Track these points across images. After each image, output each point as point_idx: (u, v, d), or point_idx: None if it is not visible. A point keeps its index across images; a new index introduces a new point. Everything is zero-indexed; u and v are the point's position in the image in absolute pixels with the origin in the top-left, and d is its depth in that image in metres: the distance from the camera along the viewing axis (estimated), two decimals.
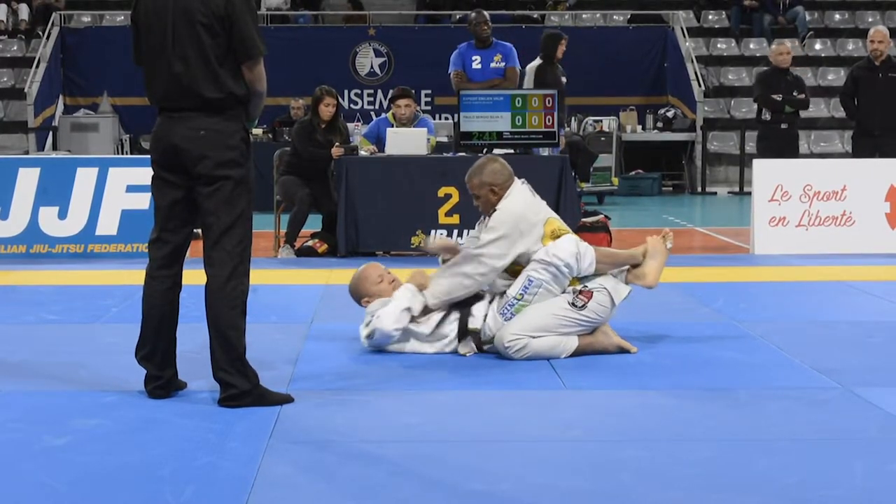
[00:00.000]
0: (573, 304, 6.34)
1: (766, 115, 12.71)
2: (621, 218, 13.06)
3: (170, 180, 5.33)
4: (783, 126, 12.51)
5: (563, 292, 6.40)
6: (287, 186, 10.89)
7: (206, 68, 5.20)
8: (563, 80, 12.76)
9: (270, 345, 6.55)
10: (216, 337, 5.27)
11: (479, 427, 5.00)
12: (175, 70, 5.22)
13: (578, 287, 6.40)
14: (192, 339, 5.88)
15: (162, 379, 5.40)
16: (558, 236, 6.49)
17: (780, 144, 12.37)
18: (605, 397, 5.48)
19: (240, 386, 5.25)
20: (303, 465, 4.42)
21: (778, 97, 12.52)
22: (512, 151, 10.73)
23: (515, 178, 6.65)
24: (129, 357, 5.50)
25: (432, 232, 10.38)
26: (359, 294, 6.74)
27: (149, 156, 5.45)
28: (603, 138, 17.71)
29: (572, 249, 6.39)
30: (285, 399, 5.35)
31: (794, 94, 12.51)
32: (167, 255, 5.39)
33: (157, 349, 5.39)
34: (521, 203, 6.55)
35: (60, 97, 19.85)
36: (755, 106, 19.89)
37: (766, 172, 10.99)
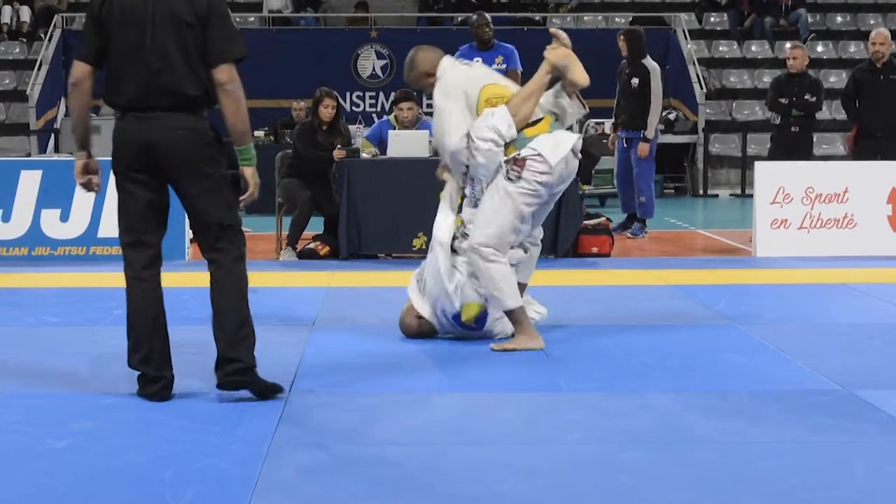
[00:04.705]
0: (509, 180, 6.47)
1: (777, 119, 12.68)
2: (621, 220, 13.05)
3: (143, 181, 5.30)
4: (793, 129, 12.46)
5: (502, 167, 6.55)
6: (289, 189, 10.89)
7: (188, 66, 5.22)
8: (634, 80, 12.68)
9: (273, 347, 6.54)
10: (232, 314, 5.30)
11: (480, 429, 5.00)
12: (154, 67, 5.21)
13: (512, 155, 6.50)
14: (192, 339, 5.89)
15: (164, 379, 5.37)
16: (494, 105, 6.61)
17: (790, 147, 12.32)
18: (606, 399, 5.48)
19: (246, 361, 5.30)
20: (304, 468, 4.42)
21: (784, 101, 12.48)
22: None
23: (445, 57, 6.87)
24: None
25: None
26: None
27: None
28: (605, 140, 17.67)
29: (480, 123, 6.53)
30: (276, 388, 5.39)
31: (807, 97, 12.45)
32: (150, 256, 5.37)
33: (153, 350, 5.35)
34: (447, 74, 6.74)
35: (62, 99, 19.86)
36: (757, 108, 20.01)
37: (768, 175, 10.99)
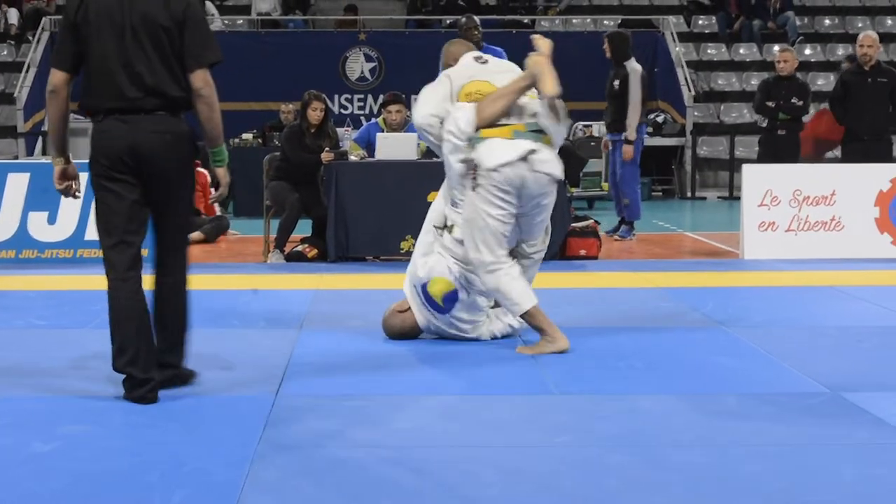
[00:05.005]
0: (473, 189, 6.55)
1: (764, 122, 12.71)
2: (611, 223, 13.06)
3: (128, 181, 5.35)
4: (780, 133, 12.49)
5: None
6: (277, 191, 10.89)
7: (169, 69, 5.32)
8: (615, 82, 12.69)
9: (260, 350, 6.55)
10: (177, 321, 5.48)
11: (469, 432, 5.00)
12: (137, 70, 5.28)
13: (467, 155, 6.57)
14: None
15: (151, 381, 5.35)
16: (473, 100, 6.69)
17: (777, 150, 12.35)
18: (594, 402, 5.48)
19: (179, 365, 5.53)
20: (292, 471, 4.41)
21: (771, 104, 12.51)
22: None
23: (470, 53, 7.04)
24: None
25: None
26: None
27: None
28: (592, 143, 17.70)
29: (448, 116, 6.66)
30: (192, 374, 5.64)
31: (794, 100, 12.47)
32: (132, 257, 5.41)
33: (139, 352, 5.34)
34: (457, 66, 6.95)
35: None
36: (745, 111, 20.04)
37: (756, 177, 11.00)
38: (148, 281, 5.50)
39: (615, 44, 12.79)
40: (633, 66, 12.68)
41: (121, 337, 5.36)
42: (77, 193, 5.62)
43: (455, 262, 6.71)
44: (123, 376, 5.39)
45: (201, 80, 5.32)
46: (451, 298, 6.71)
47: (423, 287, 6.73)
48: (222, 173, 5.60)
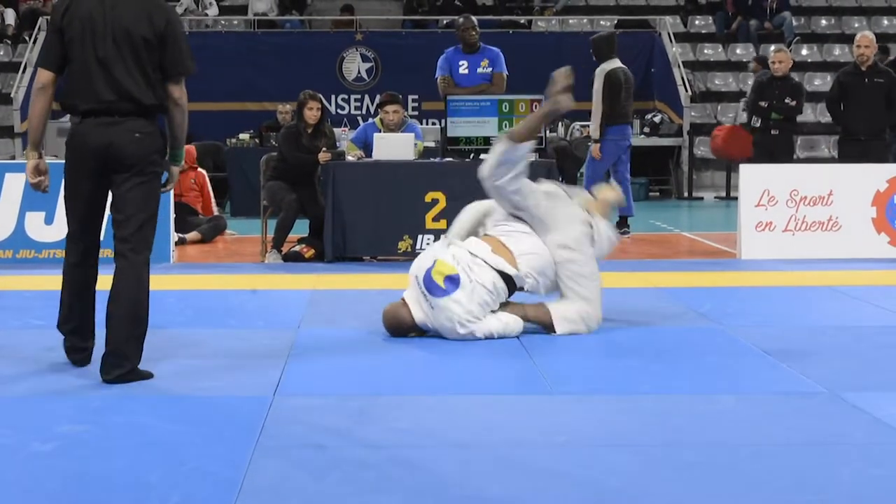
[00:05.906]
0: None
1: (757, 122, 12.73)
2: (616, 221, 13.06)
3: (99, 177, 5.74)
4: (773, 132, 12.52)
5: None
6: (274, 191, 10.88)
7: (145, 78, 5.68)
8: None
9: (258, 350, 6.55)
10: (130, 314, 5.68)
11: (467, 432, 5.00)
12: (117, 77, 5.64)
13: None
14: (179, 341, 5.86)
15: (87, 350, 5.97)
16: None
17: (771, 150, 12.39)
18: (593, 402, 5.48)
19: (133, 361, 5.67)
20: (290, 471, 4.41)
21: (764, 104, 12.54)
22: None
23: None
24: None
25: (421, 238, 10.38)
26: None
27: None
28: (589, 143, 17.67)
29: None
30: (148, 375, 5.73)
31: (787, 101, 12.50)
32: (89, 246, 5.94)
33: (83, 323, 6.01)
34: None
35: None
36: (742, 111, 20.02)
37: (753, 177, 11.00)
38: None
39: (596, 46, 12.97)
40: (603, 66, 12.84)
41: (68, 306, 5.92)
42: (47, 188, 5.98)
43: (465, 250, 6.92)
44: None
45: (178, 90, 5.76)
46: (452, 280, 6.75)
47: (428, 272, 6.77)
48: (175, 171, 6.05)
